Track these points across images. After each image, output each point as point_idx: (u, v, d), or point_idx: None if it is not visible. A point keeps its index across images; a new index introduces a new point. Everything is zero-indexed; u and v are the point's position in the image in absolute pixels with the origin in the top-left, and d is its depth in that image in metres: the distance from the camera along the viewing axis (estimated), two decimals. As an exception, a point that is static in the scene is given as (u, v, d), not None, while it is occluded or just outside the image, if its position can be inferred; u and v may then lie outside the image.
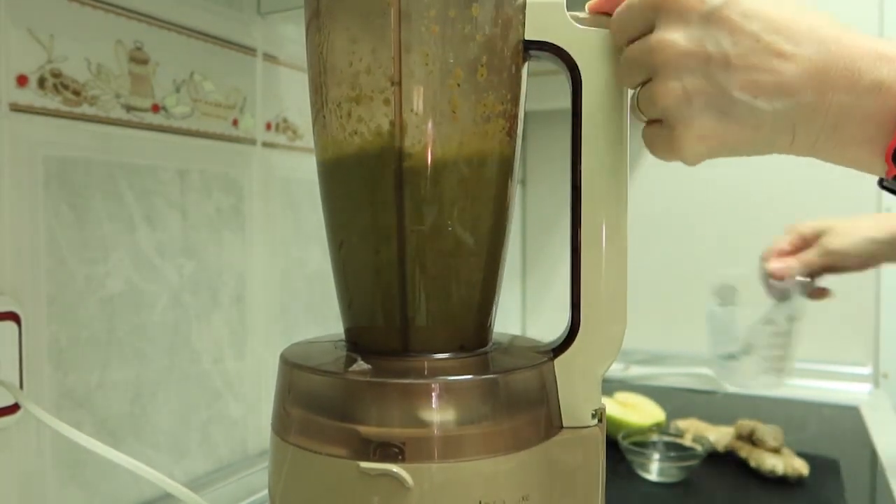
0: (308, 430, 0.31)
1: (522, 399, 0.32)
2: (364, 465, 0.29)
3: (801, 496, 0.62)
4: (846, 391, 1.02)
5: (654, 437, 0.72)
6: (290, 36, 0.70)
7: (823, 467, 0.69)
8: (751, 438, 0.71)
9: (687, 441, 0.70)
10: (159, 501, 0.56)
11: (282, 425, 0.33)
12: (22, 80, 0.46)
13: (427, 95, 0.32)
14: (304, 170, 0.73)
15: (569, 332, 0.34)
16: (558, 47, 0.33)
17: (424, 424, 0.30)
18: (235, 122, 0.64)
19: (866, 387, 1.03)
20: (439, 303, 0.34)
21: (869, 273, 1.05)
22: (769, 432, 0.70)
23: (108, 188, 0.52)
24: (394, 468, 0.29)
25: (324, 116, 0.34)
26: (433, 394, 0.30)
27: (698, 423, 0.76)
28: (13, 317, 0.46)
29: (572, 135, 0.34)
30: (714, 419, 0.81)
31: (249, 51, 0.66)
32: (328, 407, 0.31)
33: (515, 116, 0.34)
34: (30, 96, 0.47)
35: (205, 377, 0.62)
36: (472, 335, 0.35)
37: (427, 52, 0.31)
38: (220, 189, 0.63)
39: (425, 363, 0.33)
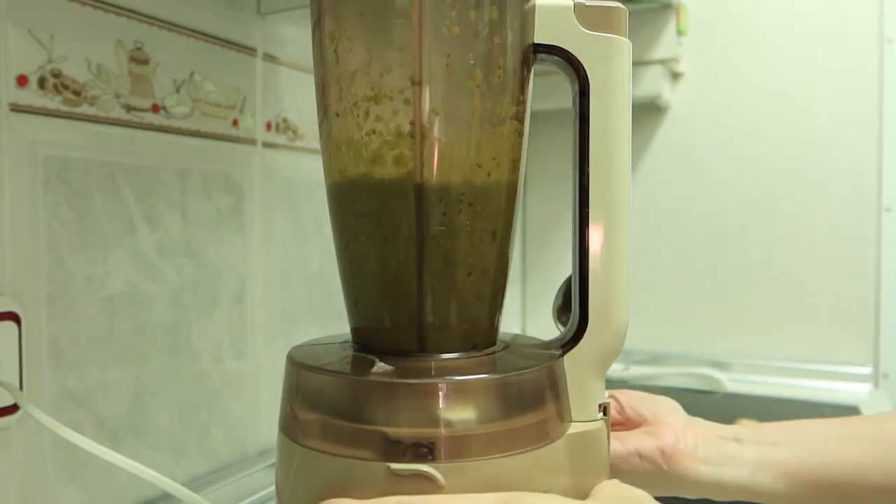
0: (327, 434, 0.31)
1: (541, 395, 0.33)
2: (395, 466, 0.29)
3: (802, 496, 0.62)
4: (846, 391, 1.02)
5: (655, 438, 0.71)
6: (290, 36, 0.70)
7: (823, 467, 0.69)
8: (751, 438, 0.71)
9: (687, 441, 0.70)
10: (159, 501, 0.56)
11: (291, 427, 0.33)
12: (22, 80, 0.46)
13: (447, 96, 0.32)
14: (305, 170, 0.73)
15: (577, 329, 0.35)
16: (567, 51, 0.34)
17: (454, 424, 0.30)
18: (235, 122, 0.64)
19: (866, 387, 1.03)
20: (455, 303, 0.34)
21: (869, 273, 1.05)
22: (769, 432, 0.70)
23: (108, 188, 0.52)
24: (425, 468, 0.29)
25: (336, 115, 0.34)
26: (461, 393, 0.31)
27: (698, 423, 0.76)
28: (13, 317, 0.46)
29: (579, 137, 0.34)
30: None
31: (249, 51, 0.66)
32: (349, 409, 0.31)
33: (524, 119, 0.35)
34: (30, 96, 0.47)
35: (205, 377, 0.62)
36: (483, 334, 0.35)
37: (448, 52, 0.32)
38: (220, 189, 0.63)
39: (442, 363, 0.33)
